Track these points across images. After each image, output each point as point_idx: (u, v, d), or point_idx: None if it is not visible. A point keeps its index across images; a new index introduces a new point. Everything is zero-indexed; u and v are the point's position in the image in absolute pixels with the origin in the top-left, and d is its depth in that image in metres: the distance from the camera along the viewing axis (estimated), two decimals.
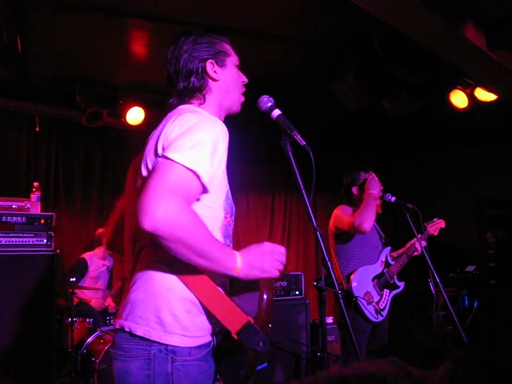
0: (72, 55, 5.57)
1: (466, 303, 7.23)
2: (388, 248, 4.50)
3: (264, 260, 1.79)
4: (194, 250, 1.67)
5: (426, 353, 7.13)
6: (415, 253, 4.46)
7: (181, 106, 2.02)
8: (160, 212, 1.58)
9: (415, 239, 4.35)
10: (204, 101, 2.04)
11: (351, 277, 4.19)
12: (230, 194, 1.96)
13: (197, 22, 4.76)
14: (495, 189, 7.76)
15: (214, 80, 2.06)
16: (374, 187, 4.27)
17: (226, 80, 2.08)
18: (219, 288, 1.82)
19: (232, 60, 2.13)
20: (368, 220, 4.08)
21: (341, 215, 4.34)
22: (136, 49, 5.64)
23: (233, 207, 2.00)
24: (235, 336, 1.76)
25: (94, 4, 4.50)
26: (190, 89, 2.03)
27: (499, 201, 7.90)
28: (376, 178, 4.36)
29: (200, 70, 2.03)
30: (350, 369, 0.76)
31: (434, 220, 4.70)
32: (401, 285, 4.50)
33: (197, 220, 1.69)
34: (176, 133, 1.79)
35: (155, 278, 1.82)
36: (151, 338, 1.77)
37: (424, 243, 4.43)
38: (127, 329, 1.81)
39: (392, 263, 4.45)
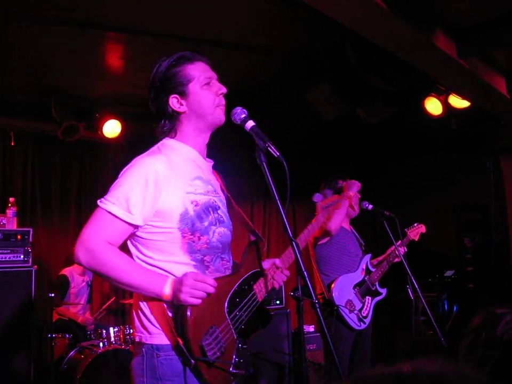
0: (47, 68, 5.53)
1: (446, 307, 7.29)
2: (368, 256, 4.52)
3: (181, 290, 1.97)
4: (117, 281, 2.03)
5: (408, 358, 7.15)
6: (396, 259, 4.47)
7: (159, 142, 2.27)
8: (80, 254, 2.00)
9: (394, 245, 4.37)
10: (175, 134, 2.25)
11: (332, 286, 4.20)
12: (191, 213, 2.10)
13: (172, 35, 4.77)
14: (470, 194, 7.86)
15: (181, 113, 2.22)
16: (352, 188, 4.30)
17: (193, 107, 2.21)
18: (165, 306, 2.05)
19: (197, 82, 2.21)
20: (334, 220, 4.13)
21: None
22: (112, 62, 5.63)
23: (198, 223, 2.11)
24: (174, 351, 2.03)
25: (69, 16, 4.48)
26: (164, 131, 2.25)
27: (475, 206, 8.01)
28: (356, 182, 4.38)
29: (166, 109, 2.22)
30: (409, 367, 0.75)
31: (415, 225, 4.73)
32: (384, 291, 4.51)
33: (114, 257, 2.01)
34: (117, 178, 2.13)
35: (136, 294, 2.17)
36: (142, 341, 2.10)
37: (404, 249, 4.46)
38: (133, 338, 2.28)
39: (373, 270, 4.46)
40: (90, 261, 1.99)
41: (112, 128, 6.41)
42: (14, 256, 4.68)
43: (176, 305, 2.00)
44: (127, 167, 2.14)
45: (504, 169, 7.49)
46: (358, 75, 5.00)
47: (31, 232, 4.83)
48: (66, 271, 6.29)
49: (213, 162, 2.36)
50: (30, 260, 4.75)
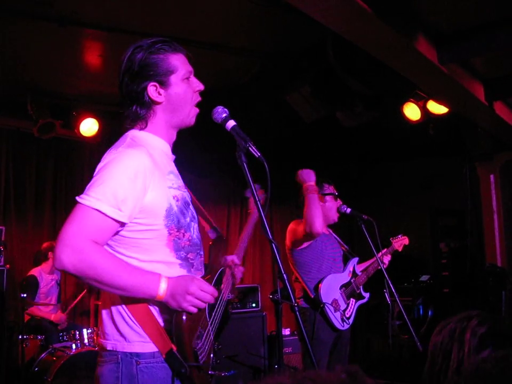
0: (23, 65, 5.44)
1: (421, 312, 7.34)
2: (356, 259, 4.54)
3: (185, 298, 1.88)
4: (109, 285, 1.86)
5: (383, 362, 7.18)
6: (378, 267, 4.46)
7: (125, 134, 2.10)
8: (65, 257, 1.79)
9: (381, 253, 4.40)
10: (146, 125, 2.09)
11: (320, 284, 4.20)
12: (175, 208, 2.00)
13: (151, 33, 4.71)
14: (447, 200, 7.92)
15: (157, 103, 2.08)
16: (310, 177, 4.18)
17: (172, 100, 2.09)
18: (152, 312, 1.96)
19: (179, 75, 2.09)
20: (315, 219, 4.00)
21: (294, 227, 4.33)
22: (90, 59, 5.56)
23: (182, 219, 2.03)
24: (164, 358, 1.92)
25: (46, 12, 4.40)
26: (133, 117, 2.08)
27: (451, 212, 8.08)
28: (308, 170, 4.24)
29: (141, 96, 2.05)
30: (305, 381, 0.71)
31: (399, 236, 4.79)
32: (367, 295, 4.52)
33: (103, 258, 1.85)
34: (95, 173, 1.94)
35: (109, 299, 2.01)
36: (118, 350, 1.96)
37: (389, 257, 4.57)
38: (100, 345, 2.04)
39: (359, 273, 4.48)
40: (78, 264, 1.79)
41: (89, 127, 6.33)
42: None
43: (171, 309, 1.91)
44: (108, 160, 1.95)
45: (480, 175, 7.56)
46: (338, 78, 5.01)
47: (3, 231, 4.73)
48: (35, 271, 6.17)
49: (175, 157, 2.21)
50: (2, 259, 4.66)
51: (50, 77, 5.72)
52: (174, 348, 1.89)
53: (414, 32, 4.09)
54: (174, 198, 2.01)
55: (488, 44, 4.33)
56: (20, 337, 4.99)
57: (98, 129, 6.34)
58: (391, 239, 4.73)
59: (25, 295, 5.07)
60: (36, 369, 4.95)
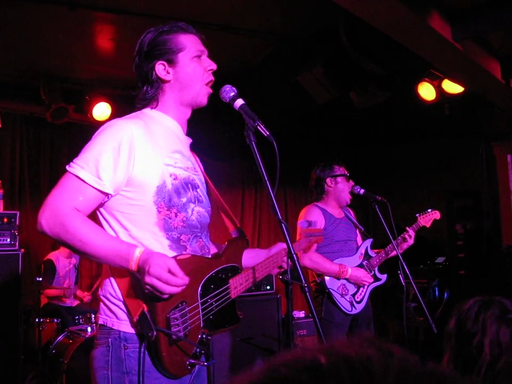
0: (36, 49, 5.44)
1: (437, 294, 7.29)
2: (369, 240, 4.41)
3: (152, 281, 1.74)
4: (82, 251, 1.84)
5: (398, 345, 7.16)
6: (393, 253, 4.25)
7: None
8: (42, 218, 1.84)
9: (407, 231, 4.29)
10: (157, 104, 2.12)
11: None
12: (169, 186, 1.97)
13: (163, 16, 4.68)
14: (463, 180, 7.84)
15: (166, 81, 2.10)
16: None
17: (180, 77, 2.10)
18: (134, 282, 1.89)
19: (187, 53, 2.11)
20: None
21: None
22: (102, 43, 5.54)
23: (175, 198, 1.99)
24: (135, 321, 1.85)
25: None
26: (145, 98, 2.12)
27: (467, 193, 7.99)
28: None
29: (150, 75, 2.09)
30: (323, 353, 0.65)
31: (428, 210, 4.48)
32: (383, 277, 4.37)
33: (79, 223, 1.83)
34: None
35: (105, 272, 2.01)
36: (107, 325, 1.94)
37: (412, 239, 4.31)
38: (96, 320, 2.07)
39: (373, 255, 4.37)
40: (53, 227, 1.82)
41: (102, 111, 6.34)
42: (0, 240, 4.61)
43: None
44: (100, 129, 1.99)
45: (496, 155, 7.46)
46: (351, 58, 4.94)
47: (18, 215, 4.75)
48: (52, 255, 6.24)
49: (191, 140, 2.22)
50: (17, 243, 4.68)
51: (62, 61, 5.72)
52: (145, 308, 1.81)
53: (428, 8, 4.00)
54: (170, 176, 1.99)
55: (503, 19, 4.22)
56: (37, 320, 5.04)
57: (111, 113, 6.35)
58: (417, 215, 4.47)
59: (40, 278, 5.11)
60: (53, 351, 5.00)
